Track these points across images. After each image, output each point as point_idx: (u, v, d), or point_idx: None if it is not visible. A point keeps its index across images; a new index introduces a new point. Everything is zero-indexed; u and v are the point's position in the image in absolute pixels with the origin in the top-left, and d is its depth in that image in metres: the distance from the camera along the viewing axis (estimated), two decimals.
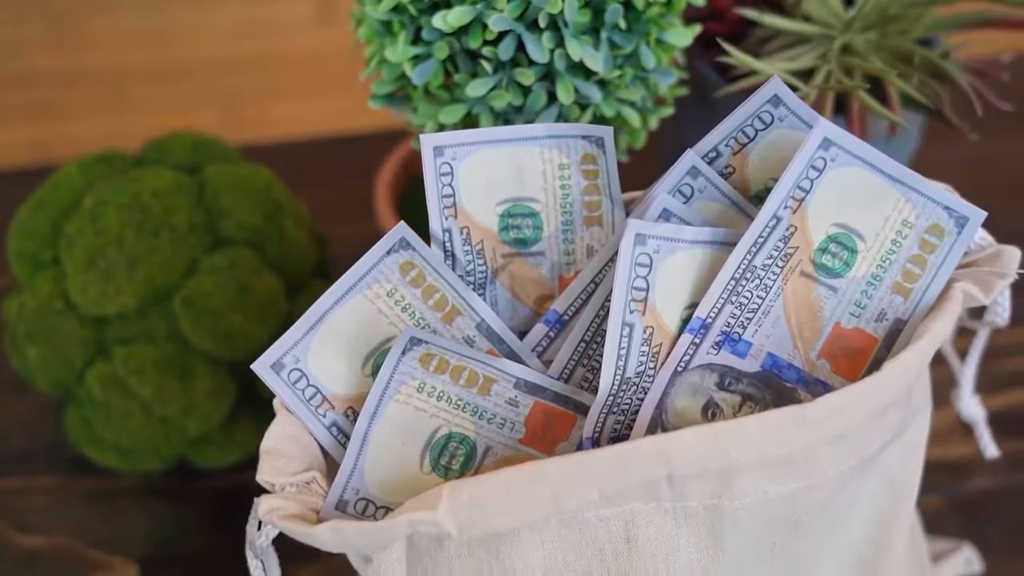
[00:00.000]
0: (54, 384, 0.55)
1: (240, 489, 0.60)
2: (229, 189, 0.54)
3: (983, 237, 0.43)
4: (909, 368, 0.38)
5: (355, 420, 0.41)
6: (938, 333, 0.40)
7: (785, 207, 0.40)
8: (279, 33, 1.18)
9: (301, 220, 0.57)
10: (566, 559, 0.39)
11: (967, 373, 0.50)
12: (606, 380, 0.39)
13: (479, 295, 0.43)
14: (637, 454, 0.37)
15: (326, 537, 0.38)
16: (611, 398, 0.40)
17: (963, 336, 0.57)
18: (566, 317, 0.43)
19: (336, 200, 0.74)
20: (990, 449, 0.51)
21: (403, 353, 0.40)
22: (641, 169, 0.58)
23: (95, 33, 1.19)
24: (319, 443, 0.42)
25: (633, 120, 0.50)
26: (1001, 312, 0.45)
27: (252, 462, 0.57)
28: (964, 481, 0.62)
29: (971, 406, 0.51)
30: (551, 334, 0.43)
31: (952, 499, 0.61)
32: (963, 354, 0.51)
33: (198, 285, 0.52)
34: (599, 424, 0.40)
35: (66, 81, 1.15)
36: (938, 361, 0.56)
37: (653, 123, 0.52)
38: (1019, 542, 0.59)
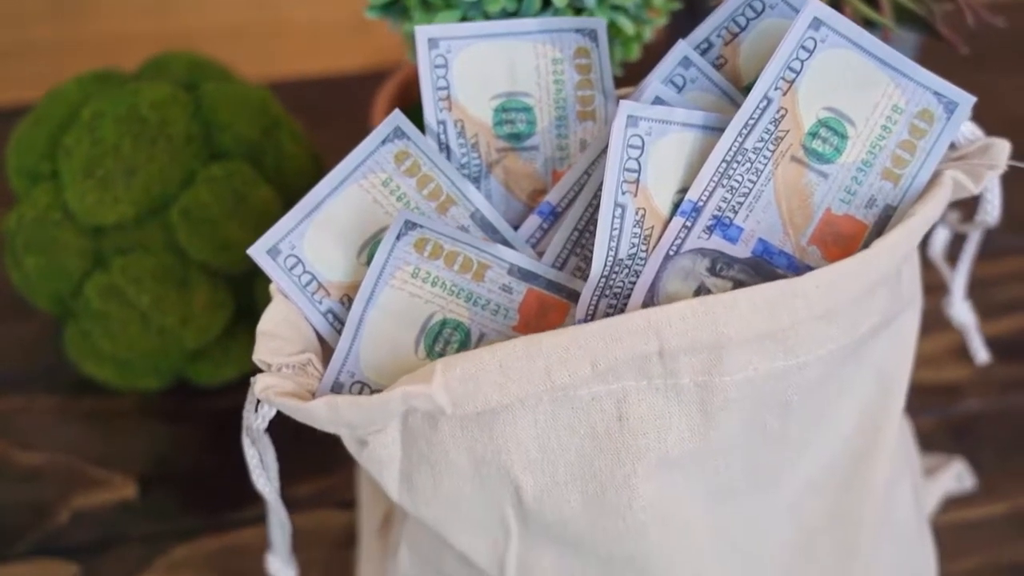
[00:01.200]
0: (52, 298, 0.55)
1: (238, 410, 0.61)
2: (226, 103, 0.54)
3: (973, 132, 0.43)
4: (898, 246, 0.39)
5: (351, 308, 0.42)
6: (928, 215, 0.40)
7: (775, 88, 0.40)
8: (279, 4, 1.18)
9: (298, 137, 0.57)
10: (559, 438, 0.39)
11: (958, 279, 0.51)
12: (598, 261, 0.40)
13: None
14: (629, 326, 0.37)
15: (321, 412, 0.38)
16: (603, 280, 0.40)
17: (952, 260, 0.57)
18: (559, 209, 0.44)
19: (335, 136, 0.75)
20: (980, 354, 0.51)
21: (398, 237, 0.41)
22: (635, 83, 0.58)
23: (96, 2, 1.20)
24: (315, 330, 0.42)
25: (627, 28, 0.50)
26: (991, 210, 0.45)
27: (249, 382, 0.57)
28: (956, 403, 0.62)
29: (962, 311, 0.51)
30: (544, 226, 0.44)
31: (944, 420, 0.62)
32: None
33: (195, 195, 0.52)
34: (591, 307, 0.40)
35: (67, 51, 1.15)
36: (932, 288, 0.56)
37: (647, 34, 0.52)
38: (1010, 461, 0.60)
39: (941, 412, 0.62)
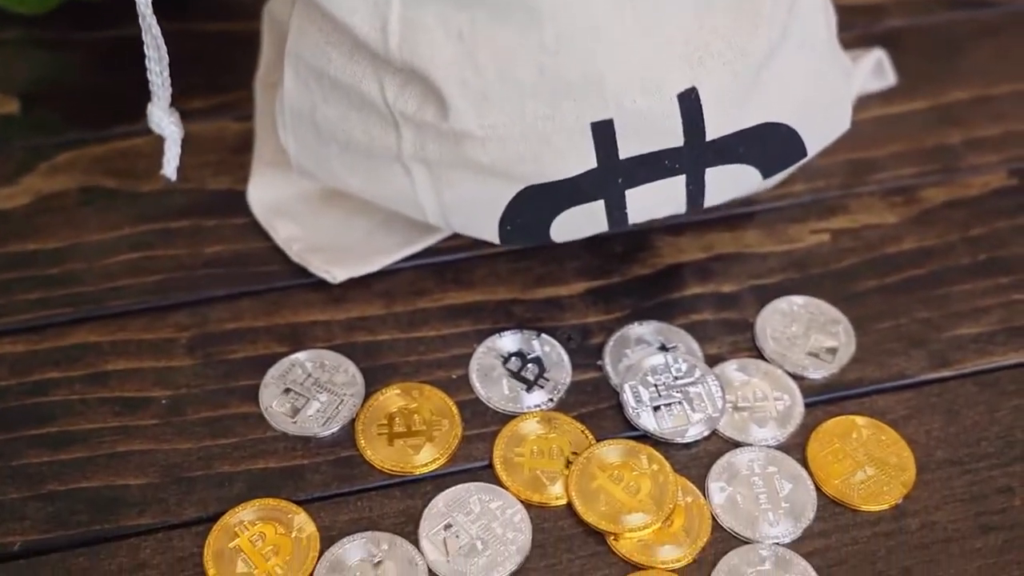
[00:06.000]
0: None
1: (127, 39, 0.58)
2: None
3: None
4: None
5: None
6: None
7: None
8: None
9: None
10: None
11: None
12: None
13: None
14: None
15: None
16: None
17: None
18: None
19: None
20: None
21: None
22: None
23: None
24: None
25: None
26: None
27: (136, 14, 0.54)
28: (879, 21, 0.61)
29: None
30: None
31: (867, 35, 0.60)
32: None
33: None
34: None
35: None
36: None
37: None
38: (933, 66, 0.58)
39: (864, 28, 0.60)
